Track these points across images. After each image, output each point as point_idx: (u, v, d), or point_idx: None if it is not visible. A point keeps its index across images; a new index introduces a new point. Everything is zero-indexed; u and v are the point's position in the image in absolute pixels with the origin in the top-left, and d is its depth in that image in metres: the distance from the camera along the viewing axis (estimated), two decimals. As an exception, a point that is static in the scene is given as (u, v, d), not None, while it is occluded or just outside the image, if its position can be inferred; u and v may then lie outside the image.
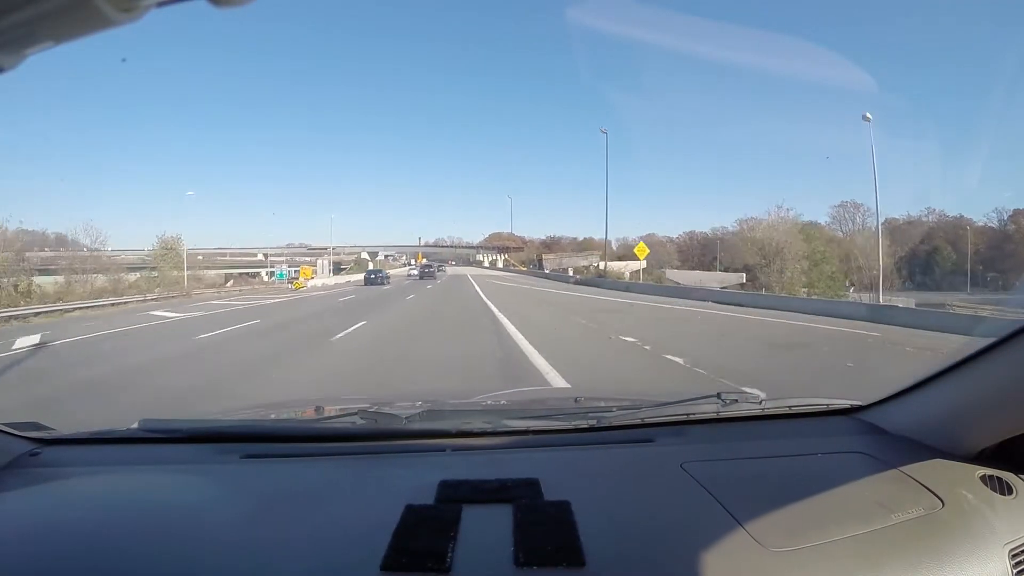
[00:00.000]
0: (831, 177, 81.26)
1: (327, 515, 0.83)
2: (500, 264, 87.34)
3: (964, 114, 52.55)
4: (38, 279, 21.40)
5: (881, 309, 12.51)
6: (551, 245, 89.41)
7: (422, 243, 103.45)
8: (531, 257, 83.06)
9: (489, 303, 15.37)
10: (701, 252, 76.45)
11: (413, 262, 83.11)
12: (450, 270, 63.71)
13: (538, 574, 0.68)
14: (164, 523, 0.82)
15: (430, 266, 56.86)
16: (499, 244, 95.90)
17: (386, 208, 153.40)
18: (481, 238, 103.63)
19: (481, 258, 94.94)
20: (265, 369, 6.36)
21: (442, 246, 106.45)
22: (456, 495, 0.85)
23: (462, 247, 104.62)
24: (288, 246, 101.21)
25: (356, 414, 1.16)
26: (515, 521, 0.78)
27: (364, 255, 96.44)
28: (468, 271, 57.06)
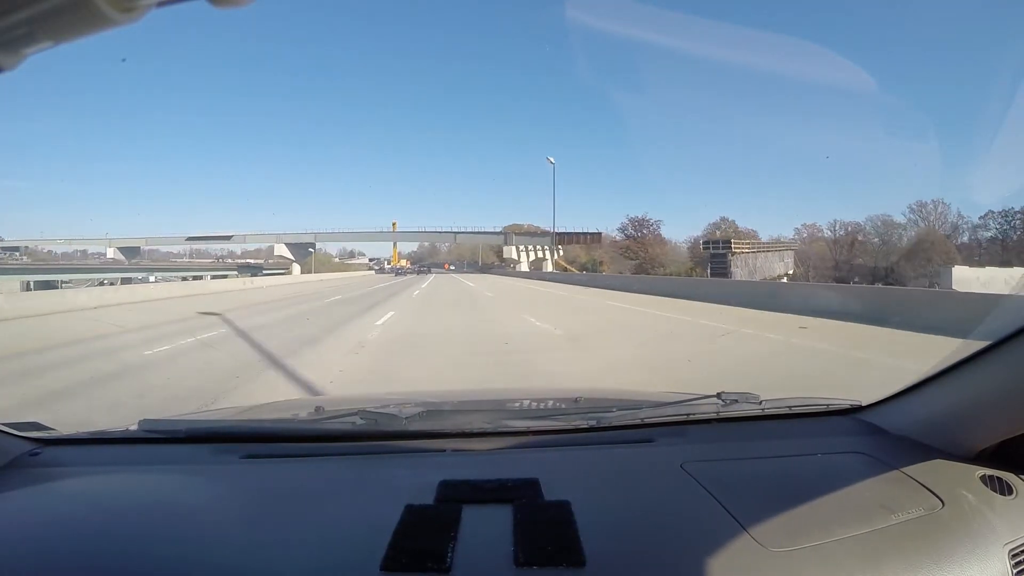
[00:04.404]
0: (832, 176, 76.69)
1: (327, 515, 0.82)
2: (550, 267, 45.77)
3: (964, 112, 43.43)
4: None
5: None
6: (642, 238, 47.53)
7: (397, 230, 59.46)
8: (590, 257, 54.99)
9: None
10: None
11: (387, 264, 65.18)
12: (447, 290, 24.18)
13: (538, 574, 0.68)
14: (164, 523, 0.82)
15: (424, 266, 57.18)
16: (536, 233, 52.62)
17: (348, 190, 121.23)
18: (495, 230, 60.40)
19: (516, 256, 51.01)
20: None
21: (438, 232, 61.53)
22: (456, 495, 0.85)
23: (466, 233, 59.95)
24: (155, 236, 63.89)
25: (356, 414, 1.14)
26: (515, 521, 0.77)
27: (281, 250, 55.55)
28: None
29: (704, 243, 38.78)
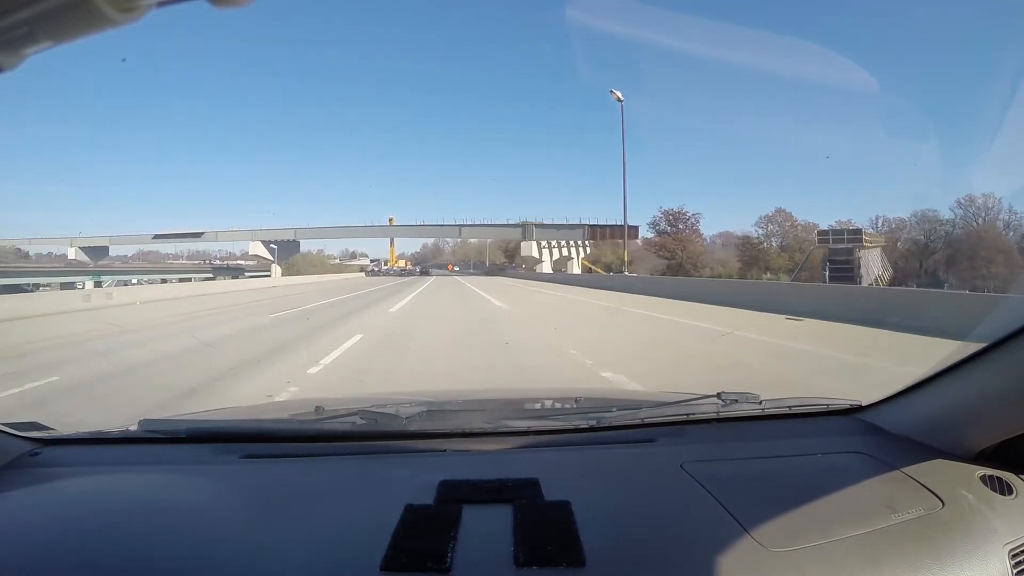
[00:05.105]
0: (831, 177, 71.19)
1: (327, 515, 0.83)
2: (576, 268, 38.79)
3: (965, 112, 42.12)
4: None
5: None
6: (678, 233, 40.71)
7: (393, 224, 51.91)
8: (617, 255, 42.93)
9: None
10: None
11: (383, 265, 63.15)
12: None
13: (538, 574, 0.68)
14: (164, 523, 0.82)
15: (424, 268, 56.55)
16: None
17: (342, 182, 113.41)
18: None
19: (537, 253, 43.27)
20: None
21: (441, 226, 53.41)
22: (456, 495, 0.85)
23: (474, 226, 51.93)
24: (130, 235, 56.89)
25: (356, 414, 1.14)
26: (515, 521, 0.78)
27: (256, 248, 47.93)
28: None
29: (820, 234, 29.23)
